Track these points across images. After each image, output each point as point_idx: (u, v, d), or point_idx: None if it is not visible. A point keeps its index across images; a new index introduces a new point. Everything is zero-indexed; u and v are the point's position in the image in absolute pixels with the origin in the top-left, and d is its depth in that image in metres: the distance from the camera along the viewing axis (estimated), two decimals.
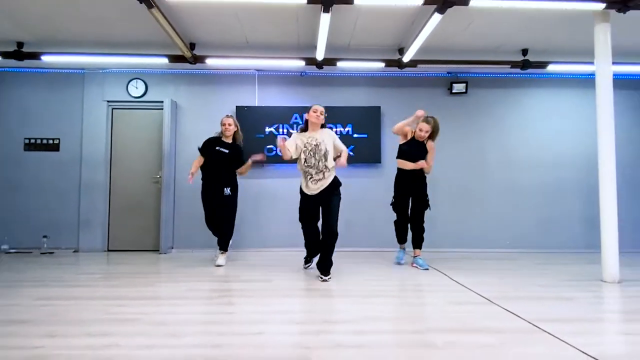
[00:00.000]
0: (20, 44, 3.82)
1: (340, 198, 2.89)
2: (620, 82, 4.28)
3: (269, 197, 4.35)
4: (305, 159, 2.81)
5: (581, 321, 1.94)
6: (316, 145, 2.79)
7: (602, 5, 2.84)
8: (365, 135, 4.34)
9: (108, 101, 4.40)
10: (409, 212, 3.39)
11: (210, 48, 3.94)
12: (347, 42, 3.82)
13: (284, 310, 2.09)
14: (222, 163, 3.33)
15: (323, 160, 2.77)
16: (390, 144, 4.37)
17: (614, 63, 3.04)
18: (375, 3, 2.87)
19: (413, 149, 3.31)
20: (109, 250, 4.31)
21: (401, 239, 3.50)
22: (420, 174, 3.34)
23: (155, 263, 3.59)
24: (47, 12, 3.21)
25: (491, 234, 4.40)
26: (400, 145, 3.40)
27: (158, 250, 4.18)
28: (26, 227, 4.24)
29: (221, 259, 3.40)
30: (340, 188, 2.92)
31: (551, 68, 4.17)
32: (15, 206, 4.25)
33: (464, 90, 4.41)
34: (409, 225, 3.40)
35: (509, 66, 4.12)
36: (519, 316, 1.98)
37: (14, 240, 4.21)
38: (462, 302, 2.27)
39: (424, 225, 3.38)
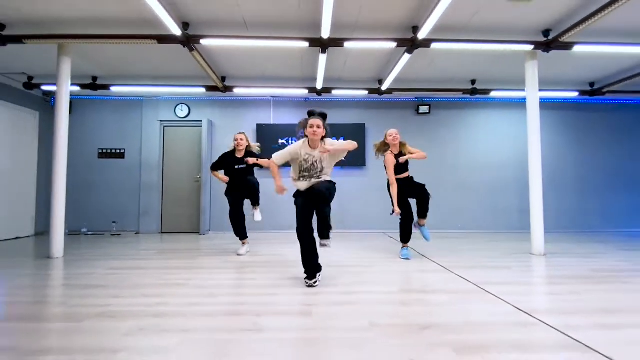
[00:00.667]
0: (94, 78, 3.86)
1: (333, 188, 1.98)
2: (545, 104, 4.27)
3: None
4: (300, 169, 2.01)
5: (515, 284, 1.92)
6: (313, 163, 1.99)
7: (531, 47, 2.83)
8: None
9: (160, 121, 4.40)
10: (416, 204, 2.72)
11: (237, 80, 3.94)
12: (339, 75, 3.81)
13: (293, 277, 2.04)
14: (241, 177, 2.81)
15: (318, 174, 1.99)
16: (372, 152, 4.20)
17: (540, 90, 3.04)
18: (360, 46, 2.87)
19: (397, 161, 2.73)
20: (162, 232, 4.31)
21: (406, 239, 2.72)
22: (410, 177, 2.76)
23: (196, 242, 3.57)
24: (115, 55, 3.25)
25: (449, 218, 4.37)
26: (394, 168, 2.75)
27: (198, 232, 4.17)
28: (100, 215, 4.25)
29: (244, 248, 2.91)
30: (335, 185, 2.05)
31: (493, 94, 4.14)
32: (91, 200, 4.26)
33: (428, 111, 4.39)
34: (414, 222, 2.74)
35: (462, 92, 4.10)
36: (468, 280, 1.96)
37: (91, 225, 4.22)
38: (427, 270, 2.23)
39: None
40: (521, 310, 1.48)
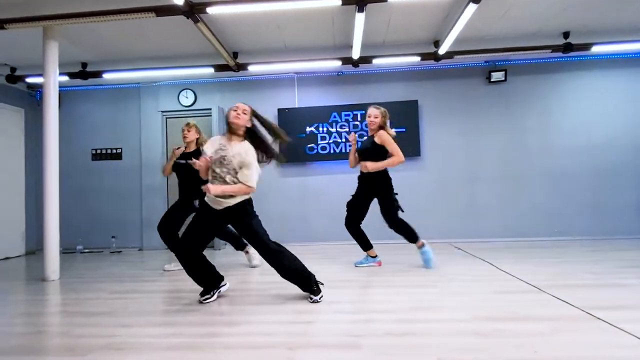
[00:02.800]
0: (84, 64, 3.75)
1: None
2: None
3: (313, 193, 4.02)
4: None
5: (637, 308, 1.64)
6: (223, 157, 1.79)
7: None
8: (404, 129, 3.86)
9: (162, 111, 4.21)
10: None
11: (252, 55, 3.67)
12: (381, 39, 3.45)
13: (326, 300, 1.90)
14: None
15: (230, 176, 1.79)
16: (429, 137, 3.95)
17: None
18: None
19: (365, 145, 2.61)
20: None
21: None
22: (371, 174, 2.52)
23: (210, 259, 3.32)
24: (107, 34, 3.13)
25: (536, 222, 3.83)
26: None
27: (212, 247, 3.93)
28: (96, 229, 4.14)
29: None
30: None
31: (596, 49, 3.53)
32: (86, 210, 4.16)
33: (503, 78, 3.86)
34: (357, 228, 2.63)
35: (550, 50, 3.53)
36: (570, 303, 1.71)
37: (87, 241, 4.10)
38: (509, 290, 1.99)
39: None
40: None
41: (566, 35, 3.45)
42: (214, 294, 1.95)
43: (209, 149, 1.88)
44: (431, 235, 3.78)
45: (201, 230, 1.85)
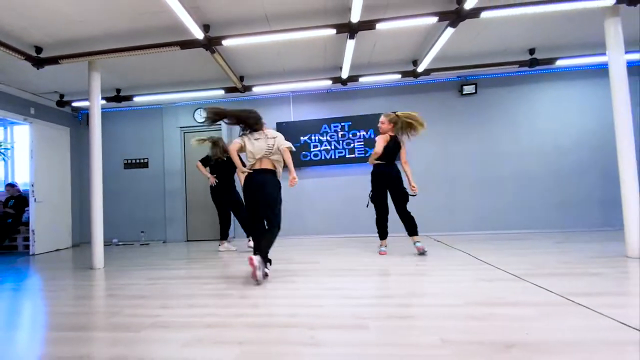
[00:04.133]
0: (118, 90, 4.25)
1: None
2: (633, 69, 3.76)
3: (307, 193, 4.39)
4: None
5: (613, 294, 1.71)
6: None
7: (613, 1, 2.53)
8: None
9: (180, 127, 4.71)
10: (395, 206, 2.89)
11: (255, 78, 4.07)
12: (367, 60, 3.74)
13: (335, 287, 2.06)
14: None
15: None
16: (409, 144, 4.11)
17: (626, 52, 2.67)
18: (394, 26, 2.76)
19: (390, 145, 2.91)
20: (187, 241, 4.59)
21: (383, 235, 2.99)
22: (394, 170, 2.88)
23: (219, 250, 3.71)
24: (137, 66, 3.57)
25: (507, 216, 4.06)
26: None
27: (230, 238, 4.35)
28: (128, 225, 4.65)
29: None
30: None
31: (559, 63, 3.76)
32: (119, 210, 4.68)
33: (474, 91, 4.14)
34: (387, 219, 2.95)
35: (517, 66, 3.78)
36: (550, 290, 1.78)
37: (121, 235, 4.63)
38: (492, 279, 2.07)
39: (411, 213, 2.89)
40: (630, 327, 1.31)
41: (532, 51, 3.67)
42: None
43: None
44: (400, 230, 4.09)
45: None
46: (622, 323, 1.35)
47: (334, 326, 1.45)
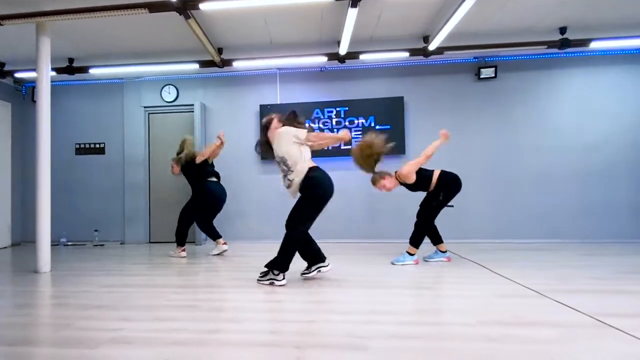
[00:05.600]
0: (71, 60, 4.18)
1: (306, 198, 2.41)
2: None
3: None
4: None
5: None
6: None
7: None
8: (388, 127, 4.23)
9: (145, 107, 4.67)
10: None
11: (236, 51, 4.03)
12: (369, 34, 3.74)
13: (327, 300, 2.09)
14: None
15: (281, 165, 2.47)
16: (415, 135, 4.28)
17: None
18: None
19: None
20: (150, 242, 4.61)
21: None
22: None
23: (193, 253, 3.78)
24: (95, 31, 3.49)
25: (527, 223, 4.13)
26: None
27: (194, 242, 4.40)
28: (80, 222, 4.64)
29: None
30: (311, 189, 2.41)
31: (594, 45, 3.77)
32: (70, 204, 4.66)
33: (493, 75, 4.15)
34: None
35: (545, 47, 3.79)
36: (576, 310, 1.79)
37: (71, 234, 4.62)
38: (509, 294, 2.09)
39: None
40: None
41: (563, 30, 3.69)
42: (313, 270, 2.51)
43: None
44: (401, 236, 4.15)
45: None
46: None
47: (326, 345, 1.46)
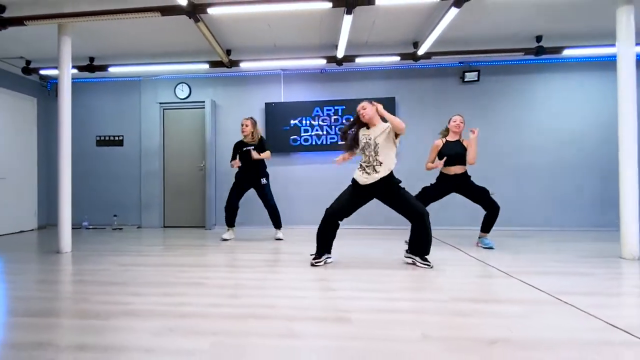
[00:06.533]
0: (91, 59, 4.04)
1: (401, 189, 2.30)
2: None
3: (296, 180, 4.34)
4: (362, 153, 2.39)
5: (603, 295, 1.73)
6: (367, 142, 2.32)
7: None
8: None
9: (160, 103, 4.54)
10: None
11: (243, 53, 3.93)
12: (365, 39, 3.65)
13: (321, 278, 2.07)
14: (250, 159, 3.31)
15: (373, 155, 2.28)
16: (403, 137, 4.20)
17: (637, 44, 2.66)
18: (395, 2, 2.68)
19: (452, 148, 2.92)
20: (164, 227, 4.50)
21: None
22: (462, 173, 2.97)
23: (203, 237, 3.69)
24: (113, 32, 3.39)
25: (504, 212, 4.06)
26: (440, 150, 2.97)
27: (204, 227, 4.31)
28: (100, 208, 4.52)
29: (228, 233, 3.47)
30: (400, 184, 2.33)
31: (566, 53, 3.74)
32: (91, 191, 4.54)
33: (476, 79, 4.08)
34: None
35: (523, 53, 3.74)
36: (539, 289, 1.81)
37: (92, 219, 4.51)
38: (481, 275, 2.10)
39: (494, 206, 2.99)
40: (616, 327, 1.33)
41: (539, 38, 3.64)
42: (323, 260, 2.37)
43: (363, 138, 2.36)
44: (405, 222, 4.10)
45: (351, 204, 2.33)
46: (608, 323, 1.37)
47: (315, 318, 1.46)
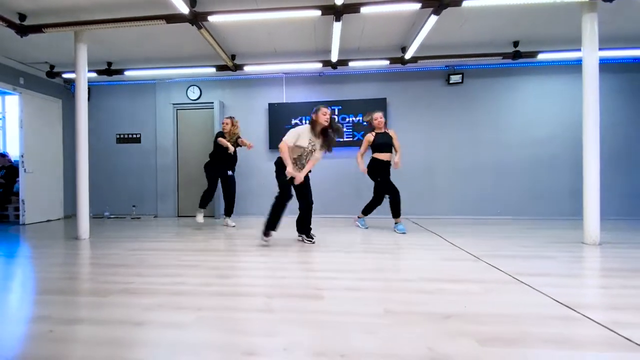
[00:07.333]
0: (109, 63, 4.06)
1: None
2: (607, 66, 3.73)
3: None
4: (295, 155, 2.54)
5: (558, 276, 1.76)
6: (311, 151, 2.50)
7: None
8: None
9: (173, 104, 4.56)
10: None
11: (247, 57, 3.92)
12: (356, 45, 3.63)
13: (304, 261, 2.12)
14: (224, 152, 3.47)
15: (305, 158, 2.55)
16: (395, 130, 4.07)
17: (601, 49, 2.64)
18: (378, 10, 2.67)
19: (382, 138, 3.12)
20: (179, 216, 4.59)
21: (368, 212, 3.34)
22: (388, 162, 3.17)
23: (211, 226, 3.76)
24: (128, 39, 3.40)
25: (482, 203, 4.11)
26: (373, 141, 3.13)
27: (213, 216, 4.37)
28: (120, 199, 4.61)
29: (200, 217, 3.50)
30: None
31: (541, 57, 3.69)
32: (112, 184, 4.63)
33: (460, 81, 4.05)
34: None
35: (501, 57, 3.71)
36: (501, 270, 1.84)
37: (113, 209, 4.61)
38: (452, 258, 2.13)
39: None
40: (562, 304, 1.37)
41: (516, 44, 3.58)
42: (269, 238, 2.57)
43: (303, 142, 2.47)
44: (388, 211, 4.12)
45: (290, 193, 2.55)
46: (556, 301, 1.41)
47: (292, 295, 1.49)
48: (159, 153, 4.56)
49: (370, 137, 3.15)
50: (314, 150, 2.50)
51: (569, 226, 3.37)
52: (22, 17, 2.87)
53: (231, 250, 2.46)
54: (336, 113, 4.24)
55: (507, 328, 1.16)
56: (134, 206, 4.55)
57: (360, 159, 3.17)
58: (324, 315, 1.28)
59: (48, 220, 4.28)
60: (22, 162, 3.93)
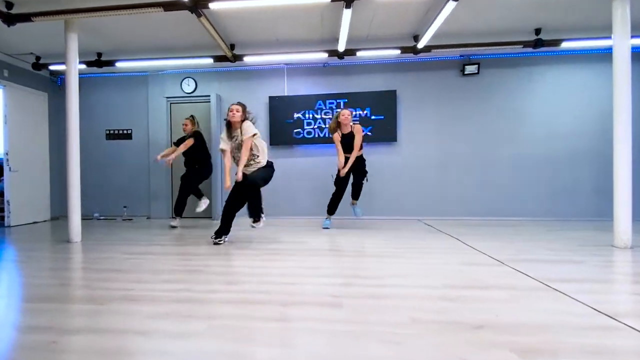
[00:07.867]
0: (99, 54, 4.03)
1: (266, 175, 2.88)
2: (638, 55, 3.68)
3: (299, 173, 4.34)
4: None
5: (591, 281, 1.73)
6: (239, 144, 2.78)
7: None
8: (382, 117, 4.13)
9: (167, 97, 4.53)
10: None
11: (247, 47, 3.89)
12: (365, 33, 3.59)
13: (316, 266, 2.09)
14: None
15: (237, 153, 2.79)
16: (405, 124, 4.19)
17: (633, 36, 2.58)
18: None
19: (347, 140, 3.31)
20: (173, 217, 4.53)
21: (332, 211, 3.52)
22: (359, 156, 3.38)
23: (209, 228, 3.73)
24: (119, 28, 3.37)
25: (500, 203, 4.08)
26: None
27: (211, 217, 4.35)
28: (110, 199, 4.59)
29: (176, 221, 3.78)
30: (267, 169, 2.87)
31: (565, 45, 3.64)
32: (101, 183, 4.60)
33: (476, 71, 4.01)
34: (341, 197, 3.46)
35: (522, 46, 3.65)
36: (528, 275, 1.81)
37: (102, 210, 4.58)
38: (474, 263, 2.10)
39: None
40: (600, 312, 1.34)
41: (537, 31, 3.53)
42: (223, 240, 2.80)
43: (225, 146, 2.80)
44: (404, 213, 4.15)
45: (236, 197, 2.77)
46: (593, 308, 1.39)
47: (307, 303, 1.47)
48: (152, 150, 4.52)
49: (337, 136, 3.30)
50: (241, 142, 2.74)
51: (595, 228, 3.34)
52: (9, 4, 2.84)
53: (236, 255, 2.44)
54: (342, 106, 4.21)
55: (544, 338, 1.14)
56: (125, 207, 4.52)
57: (342, 158, 3.30)
58: (345, 324, 1.26)
59: (34, 222, 4.26)
60: (7, 160, 3.91)
